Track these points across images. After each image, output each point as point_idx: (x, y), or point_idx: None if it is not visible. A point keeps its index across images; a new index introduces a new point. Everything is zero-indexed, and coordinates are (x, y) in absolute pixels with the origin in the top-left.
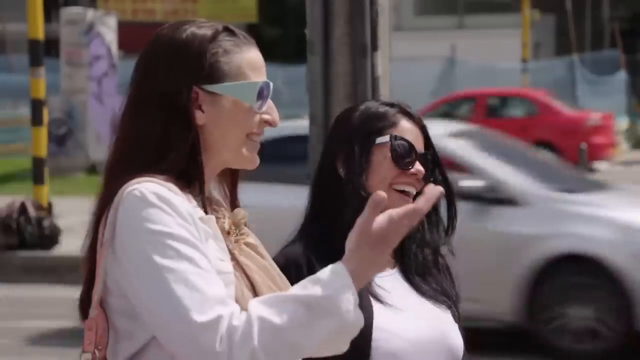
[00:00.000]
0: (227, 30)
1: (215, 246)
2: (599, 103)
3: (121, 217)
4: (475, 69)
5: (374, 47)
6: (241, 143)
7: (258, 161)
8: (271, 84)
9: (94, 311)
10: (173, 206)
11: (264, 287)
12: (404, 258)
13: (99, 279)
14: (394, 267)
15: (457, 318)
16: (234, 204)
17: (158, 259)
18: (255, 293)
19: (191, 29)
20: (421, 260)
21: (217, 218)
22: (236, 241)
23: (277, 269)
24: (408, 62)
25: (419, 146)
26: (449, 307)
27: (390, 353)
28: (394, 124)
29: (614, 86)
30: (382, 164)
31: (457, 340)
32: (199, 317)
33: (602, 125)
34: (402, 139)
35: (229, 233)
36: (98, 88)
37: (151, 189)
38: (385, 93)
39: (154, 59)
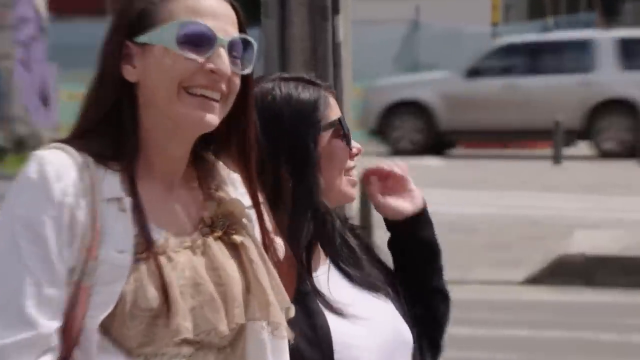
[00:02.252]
0: None
1: (121, 235)
2: None
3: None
4: (440, 32)
5: (335, 10)
6: (173, 95)
7: (210, 120)
8: (222, 35)
9: None
10: (47, 191)
11: (192, 288)
12: (332, 248)
13: None
14: (325, 261)
15: (396, 297)
16: (251, 184)
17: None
18: (166, 293)
19: None
20: (347, 246)
21: (204, 202)
22: (208, 233)
23: (256, 277)
24: (369, 25)
25: None
26: (387, 294)
27: None
28: (328, 106)
29: None
30: (334, 152)
31: (407, 332)
32: None
33: None
34: (343, 120)
35: (207, 224)
36: (25, 53)
37: (45, 160)
38: (347, 60)
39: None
